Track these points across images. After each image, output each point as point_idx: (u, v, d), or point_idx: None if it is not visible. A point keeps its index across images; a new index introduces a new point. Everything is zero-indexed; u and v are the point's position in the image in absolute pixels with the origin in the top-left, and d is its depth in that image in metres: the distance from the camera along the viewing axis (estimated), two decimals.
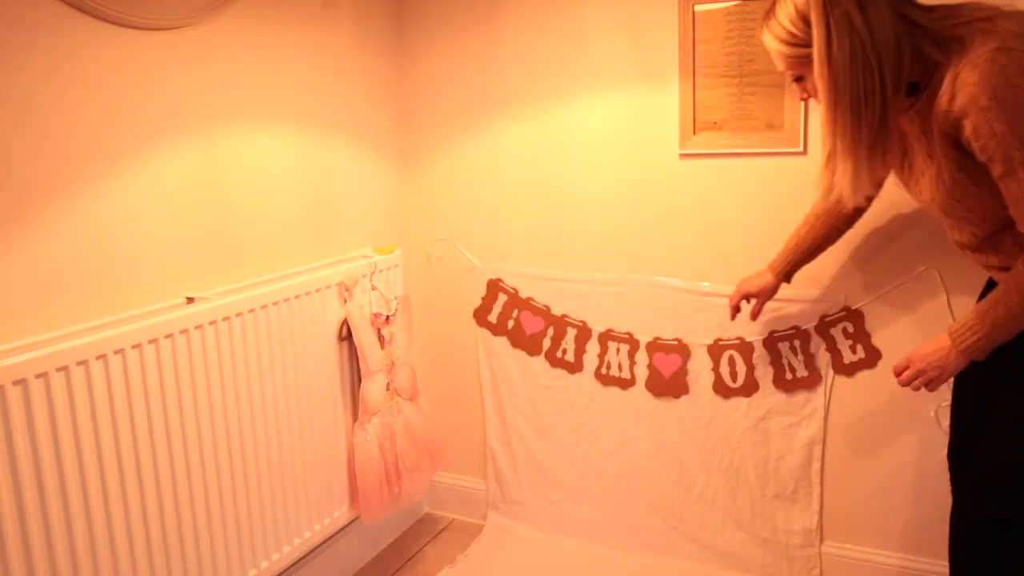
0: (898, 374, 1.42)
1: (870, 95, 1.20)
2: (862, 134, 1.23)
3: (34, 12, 1.33)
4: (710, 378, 2.00)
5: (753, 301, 1.82)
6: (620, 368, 2.10)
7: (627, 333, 2.08)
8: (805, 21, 1.25)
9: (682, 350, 2.02)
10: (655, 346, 2.05)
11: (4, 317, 1.32)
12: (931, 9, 1.24)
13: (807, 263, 1.75)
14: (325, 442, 1.88)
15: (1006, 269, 1.29)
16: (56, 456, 1.29)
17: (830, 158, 1.28)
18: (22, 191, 1.33)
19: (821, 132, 1.30)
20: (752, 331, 1.94)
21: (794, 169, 1.85)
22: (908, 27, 1.20)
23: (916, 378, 1.39)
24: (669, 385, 2.05)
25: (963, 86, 1.15)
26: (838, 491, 1.94)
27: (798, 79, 1.37)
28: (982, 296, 1.47)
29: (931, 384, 1.39)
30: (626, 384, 2.10)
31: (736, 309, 1.85)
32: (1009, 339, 1.27)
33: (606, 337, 2.10)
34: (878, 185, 1.57)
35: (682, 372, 2.03)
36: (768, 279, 1.77)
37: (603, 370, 2.12)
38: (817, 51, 1.22)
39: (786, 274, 1.76)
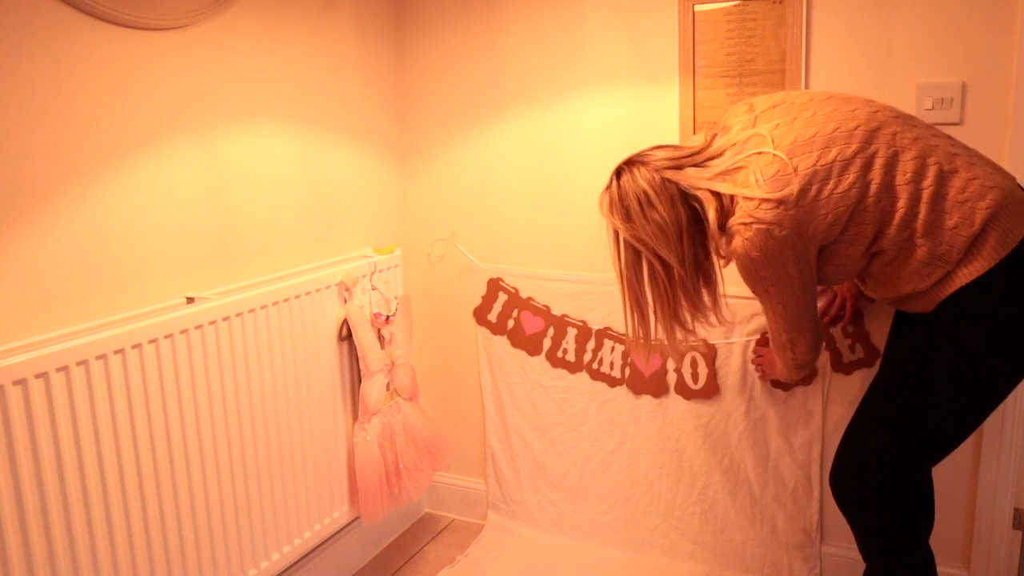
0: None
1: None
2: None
3: (34, 12, 1.33)
4: (714, 377, 2.00)
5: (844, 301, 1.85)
6: (612, 366, 2.10)
7: (624, 333, 2.08)
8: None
9: (663, 350, 2.02)
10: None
11: (4, 317, 1.32)
12: (705, 159, 1.47)
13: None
14: (325, 442, 1.88)
15: (916, 293, 1.41)
16: (56, 456, 1.29)
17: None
18: (22, 191, 1.33)
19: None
20: (749, 331, 1.94)
21: None
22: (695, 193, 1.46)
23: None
24: (648, 384, 2.06)
25: (730, 238, 1.43)
26: None
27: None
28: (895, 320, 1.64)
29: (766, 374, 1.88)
30: (614, 382, 2.10)
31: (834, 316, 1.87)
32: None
33: (603, 335, 2.10)
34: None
35: (663, 372, 2.04)
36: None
37: (594, 365, 2.12)
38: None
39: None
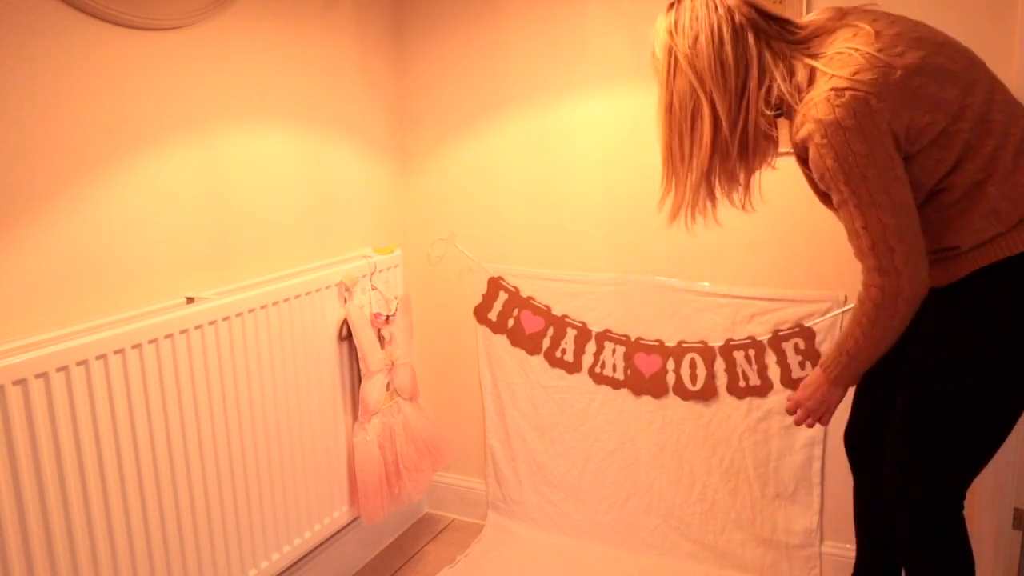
0: (792, 414, 1.49)
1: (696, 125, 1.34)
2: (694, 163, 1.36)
3: (34, 12, 1.33)
4: (712, 378, 2.00)
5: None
6: (615, 368, 2.10)
7: (624, 335, 2.08)
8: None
9: (663, 351, 2.02)
10: (636, 346, 2.06)
11: (4, 317, 1.32)
12: (792, 32, 1.33)
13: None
14: (325, 442, 1.88)
15: (954, 251, 1.29)
16: (56, 456, 1.29)
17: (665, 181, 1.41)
18: (22, 191, 1.33)
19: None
20: (756, 330, 1.94)
21: (794, 168, 1.84)
22: (771, 54, 1.30)
23: (808, 417, 1.46)
24: (649, 385, 2.06)
25: (803, 121, 1.25)
26: (838, 491, 1.94)
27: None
28: None
29: (823, 419, 1.46)
30: (618, 384, 2.10)
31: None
32: (872, 364, 1.35)
33: (603, 337, 2.10)
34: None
35: (662, 372, 2.04)
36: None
37: (597, 369, 2.12)
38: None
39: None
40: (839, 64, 1.23)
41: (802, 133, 1.25)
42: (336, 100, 2.02)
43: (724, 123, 1.31)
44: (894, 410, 1.41)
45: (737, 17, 1.29)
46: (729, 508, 2.03)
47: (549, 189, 2.12)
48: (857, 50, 1.22)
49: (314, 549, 1.93)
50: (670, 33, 1.33)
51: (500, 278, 2.22)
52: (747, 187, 1.41)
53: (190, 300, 1.60)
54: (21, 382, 1.23)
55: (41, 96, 1.35)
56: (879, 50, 1.22)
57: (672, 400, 2.06)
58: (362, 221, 2.15)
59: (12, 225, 1.32)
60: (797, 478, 1.95)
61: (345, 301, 1.90)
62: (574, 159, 2.07)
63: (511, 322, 2.21)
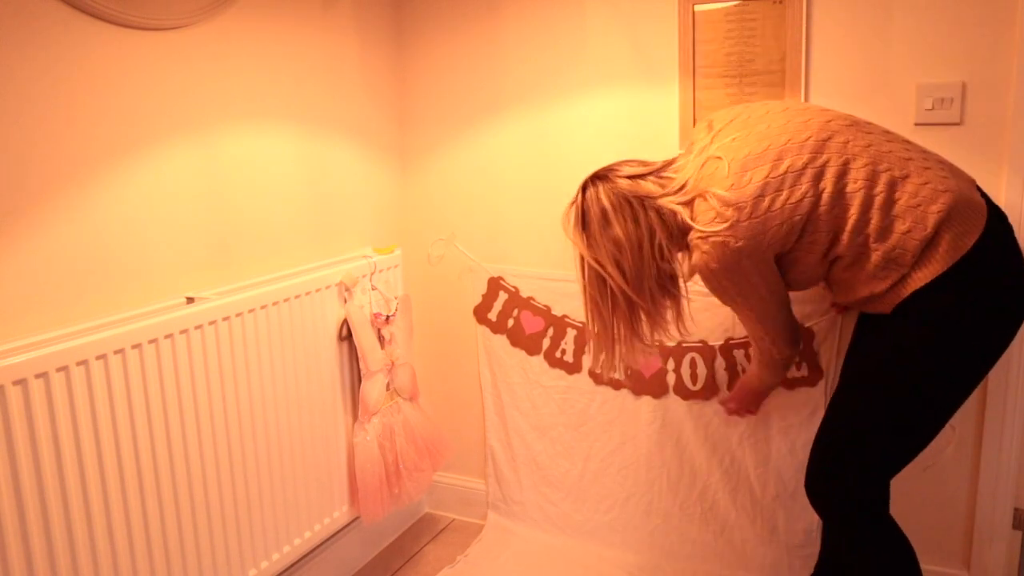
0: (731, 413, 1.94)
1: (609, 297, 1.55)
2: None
3: (34, 12, 1.33)
4: (713, 378, 2.00)
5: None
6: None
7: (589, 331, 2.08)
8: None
9: (663, 351, 2.02)
10: None
11: (4, 317, 1.32)
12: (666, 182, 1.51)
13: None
14: (325, 442, 1.88)
15: (874, 296, 1.43)
16: (56, 456, 1.29)
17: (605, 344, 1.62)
18: (21, 191, 1.33)
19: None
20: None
21: None
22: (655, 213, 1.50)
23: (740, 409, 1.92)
24: (649, 385, 2.06)
25: (692, 249, 1.48)
26: None
27: None
28: (858, 324, 1.66)
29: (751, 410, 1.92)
30: (618, 385, 2.10)
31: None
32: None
33: None
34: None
35: (662, 372, 2.04)
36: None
37: (597, 369, 2.12)
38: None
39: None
40: (701, 213, 1.43)
41: (692, 261, 1.48)
42: (336, 100, 2.02)
43: (631, 288, 1.51)
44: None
45: (617, 194, 1.49)
46: (729, 508, 2.03)
47: (549, 189, 2.12)
48: (712, 195, 1.41)
49: (314, 549, 1.93)
50: (572, 228, 1.54)
51: (500, 278, 2.22)
52: (679, 317, 1.60)
53: (190, 300, 1.60)
54: (21, 382, 1.23)
55: (41, 96, 1.35)
56: (730, 187, 1.39)
57: (672, 400, 2.06)
58: (362, 221, 2.15)
59: (12, 225, 1.32)
60: (797, 478, 1.95)
61: (345, 301, 1.90)
62: (574, 159, 2.07)
63: (511, 322, 2.21)
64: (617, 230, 1.48)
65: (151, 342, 1.43)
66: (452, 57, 2.16)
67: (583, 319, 1.63)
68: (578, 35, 2.00)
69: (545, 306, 2.17)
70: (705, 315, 1.99)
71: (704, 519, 2.06)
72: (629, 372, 1.69)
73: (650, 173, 1.52)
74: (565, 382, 2.17)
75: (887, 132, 1.44)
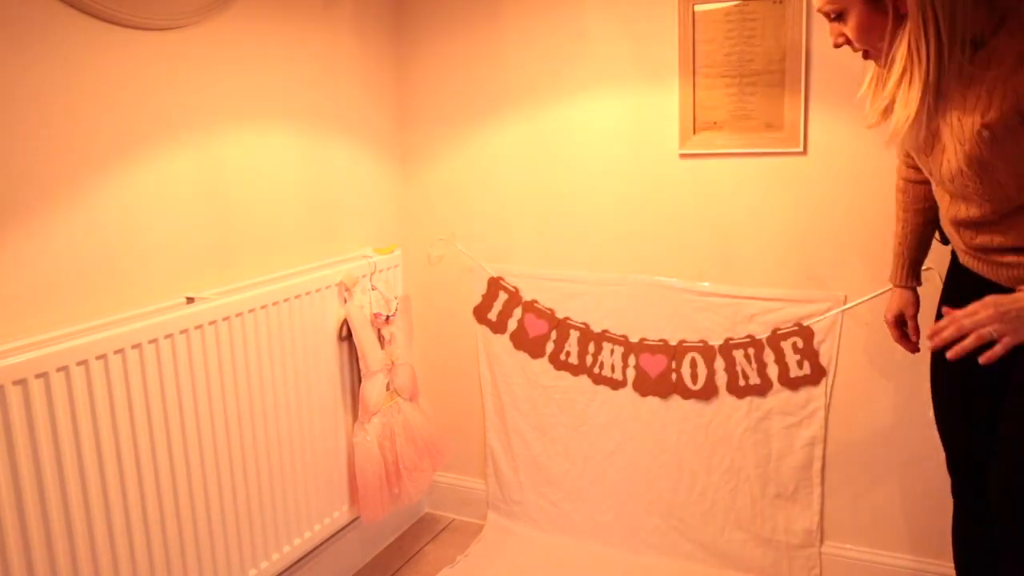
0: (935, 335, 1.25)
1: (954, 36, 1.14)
2: (942, 67, 1.15)
3: (34, 12, 1.33)
4: (713, 378, 2.00)
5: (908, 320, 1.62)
6: (613, 369, 2.10)
7: (623, 335, 2.08)
8: None
9: (668, 351, 2.02)
10: (641, 347, 2.05)
11: (4, 317, 1.32)
12: None
13: (922, 256, 1.59)
14: (325, 442, 1.88)
15: (1013, 249, 1.22)
16: (56, 456, 1.29)
17: (902, 77, 1.18)
18: (22, 191, 1.33)
19: (897, 53, 1.19)
20: (755, 330, 1.94)
21: (794, 169, 1.85)
22: None
23: (962, 336, 1.19)
24: (655, 385, 2.06)
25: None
26: (838, 491, 1.94)
27: (837, 16, 1.25)
28: (948, 281, 1.44)
29: (1002, 339, 1.17)
30: (617, 384, 2.10)
31: (902, 336, 1.64)
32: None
33: (602, 337, 2.10)
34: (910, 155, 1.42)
35: (668, 372, 2.04)
36: (901, 295, 1.61)
37: (596, 369, 2.12)
38: None
39: (909, 278, 1.59)
40: None
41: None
42: (336, 100, 2.02)
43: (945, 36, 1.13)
44: (998, 437, 1.34)
45: None
46: (729, 508, 2.03)
47: (549, 189, 2.12)
48: None
49: (314, 549, 1.93)
50: None
51: (500, 278, 2.22)
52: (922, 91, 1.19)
53: (190, 300, 1.60)
54: (21, 382, 1.23)
55: (42, 96, 1.35)
56: None
57: (672, 400, 2.06)
58: (362, 221, 2.15)
59: (12, 225, 1.32)
60: (797, 478, 1.95)
61: (345, 301, 1.90)
62: (574, 159, 2.07)
63: (513, 324, 2.21)
64: None
65: (151, 342, 1.43)
66: (452, 57, 2.16)
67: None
68: (578, 35, 2.00)
69: (549, 309, 2.17)
70: (705, 315, 1.99)
71: (704, 519, 2.06)
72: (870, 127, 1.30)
73: None
74: (565, 382, 2.17)
75: None
